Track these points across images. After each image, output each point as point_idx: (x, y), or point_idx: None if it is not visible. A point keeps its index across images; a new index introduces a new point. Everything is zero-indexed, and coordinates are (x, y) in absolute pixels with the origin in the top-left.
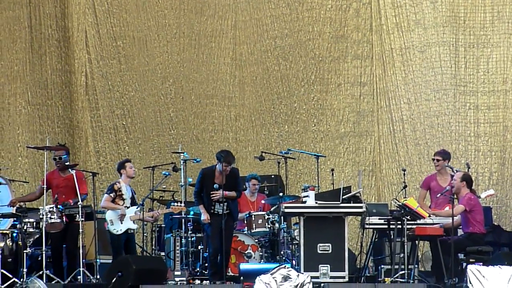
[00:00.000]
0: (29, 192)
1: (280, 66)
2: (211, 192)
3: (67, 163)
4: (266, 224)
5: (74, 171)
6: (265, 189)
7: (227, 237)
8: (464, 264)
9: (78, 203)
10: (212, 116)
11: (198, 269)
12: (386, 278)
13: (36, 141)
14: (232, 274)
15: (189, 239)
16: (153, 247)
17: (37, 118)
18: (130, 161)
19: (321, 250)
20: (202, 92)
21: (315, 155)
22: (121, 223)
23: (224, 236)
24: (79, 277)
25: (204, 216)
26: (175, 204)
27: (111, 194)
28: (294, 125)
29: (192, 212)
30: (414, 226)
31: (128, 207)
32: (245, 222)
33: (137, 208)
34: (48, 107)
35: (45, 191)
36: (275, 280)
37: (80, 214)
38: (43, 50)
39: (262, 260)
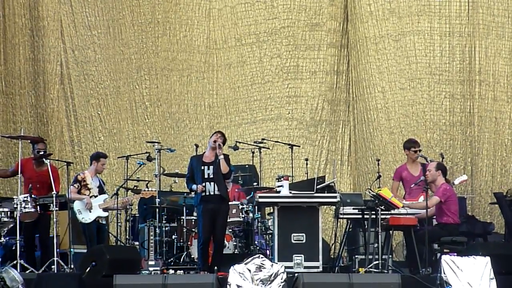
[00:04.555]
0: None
1: (255, 54)
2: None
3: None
4: (240, 214)
5: (49, 165)
6: (239, 179)
7: (220, 226)
8: (438, 254)
9: (52, 192)
10: (186, 104)
11: (172, 258)
12: (360, 268)
13: (9, 130)
14: None
15: (163, 228)
16: (127, 236)
17: (10, 108)
18: (106, 157)
19: (295, 240)
20: (177, 80)
21: (289, 144)
22: (90, 212)
23: (217, 225)
24: (53, 266)
25: (197, 187)
26: (146, 189)
27: (75, 185)
28: (268, 113)
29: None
30: (388, 216)
31: (96, 196)
32: None
33: (107, 196)
34: (21, 96)
35: (19, 176)
36: (249, 270)
37: (54, 203)
38: (16, 39)
39: (236, 250)
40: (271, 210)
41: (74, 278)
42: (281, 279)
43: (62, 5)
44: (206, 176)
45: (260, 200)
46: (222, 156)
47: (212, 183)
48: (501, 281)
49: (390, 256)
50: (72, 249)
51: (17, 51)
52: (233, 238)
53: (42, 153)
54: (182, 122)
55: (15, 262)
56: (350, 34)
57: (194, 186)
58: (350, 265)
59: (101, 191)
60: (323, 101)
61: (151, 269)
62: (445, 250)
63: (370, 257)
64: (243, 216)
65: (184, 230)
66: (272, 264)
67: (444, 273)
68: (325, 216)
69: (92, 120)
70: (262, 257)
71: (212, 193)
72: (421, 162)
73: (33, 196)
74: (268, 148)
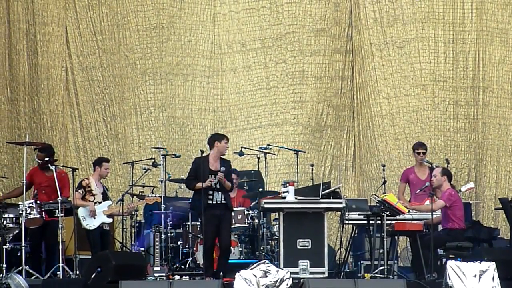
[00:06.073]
0: (13, 188)
1: (260, 59)
2: (218, 176)
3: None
4: (246, 219)
5: (55, 171)
6: (245, 185)
7: (226, 231)
8: (444, 259)
9: (58, 198)
10: (191, 109)
11: (177, 264)
12: (365, 274)
13: (14, 136)
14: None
15: (169, 234)
16: (133, 242)
17: (15, 114)
18: (108, 161)
19: (300, 246)
20: (181, 85)
21: (294, 150)
22: (94, 218)
23: (222, 230)
24: (58, 272)
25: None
26: (150, 195)
27: (79, 191)
28: (273, 118)
29: (171, 208)
30: (393, 222)
31: (100, 203)
32: None
33: (113, 202)
34: (25, 102)
35: (24, 188)
36: (255, 276)
37: (59, 209)
38: (21, 45)
39: (241, 256)
40: (277, 216)
41: (80, 284)
42: (287, 284)
43: (67, 11)
44: (213, 186)
45: (266, 206)
46: (223, 180)
47: (219, 193)
48: (506, 287)
49: (396, 261)
50: (77, 255)
51: (21, 57)
52: (239, 244)
53: (46, 159)
54: (187, 127)
55: (20, 268)
56: (354, 40)
57: (199, 184)
58: (355, 270)
59: (105, 197)
60: (328, 106)
61: (156, 275)
62: (450, 256)
63: (376, 262)
64: (248, 222)
65: (190, 236)
66: (278, 270)
67: (450, 279)
68: (330, 221)
69: (97, 126)
70: (267, 263)
71: (219, 201)
72: (429, 167)
73: (38, 202)
74: (274, 154)
